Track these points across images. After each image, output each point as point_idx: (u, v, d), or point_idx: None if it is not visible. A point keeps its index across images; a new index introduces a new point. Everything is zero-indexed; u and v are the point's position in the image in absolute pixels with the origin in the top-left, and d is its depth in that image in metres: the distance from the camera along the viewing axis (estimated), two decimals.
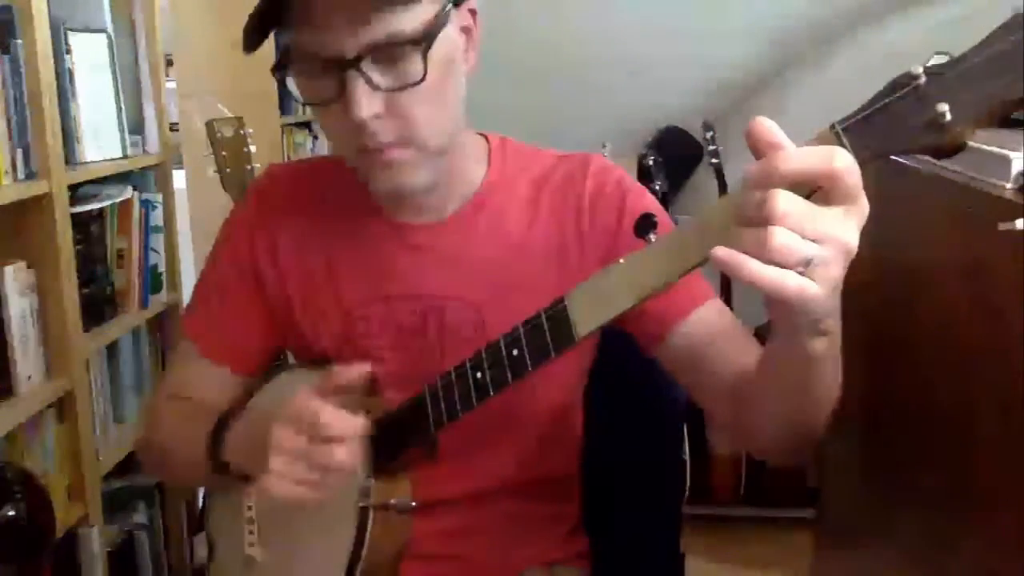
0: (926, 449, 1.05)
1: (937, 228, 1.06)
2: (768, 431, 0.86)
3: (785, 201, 0.57)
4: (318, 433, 0.80)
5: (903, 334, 1.12)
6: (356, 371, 0.85)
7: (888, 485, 1.17)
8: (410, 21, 0.80)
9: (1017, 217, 0.77)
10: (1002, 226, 0.78)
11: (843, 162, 0.58)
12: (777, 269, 0.58)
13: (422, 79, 0.81)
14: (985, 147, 0.93)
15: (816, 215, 0.58)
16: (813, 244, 0.58)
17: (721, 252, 0.59)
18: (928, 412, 1.04)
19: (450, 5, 0.85)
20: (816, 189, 0.59)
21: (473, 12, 0.89)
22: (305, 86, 0.87)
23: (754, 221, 0.58)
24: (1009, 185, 0.88)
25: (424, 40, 0.81)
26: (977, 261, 0.92)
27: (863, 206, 0.60)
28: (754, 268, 0.58)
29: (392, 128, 0.84)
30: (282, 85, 1.02)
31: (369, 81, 0.81)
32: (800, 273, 0.58)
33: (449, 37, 0.85)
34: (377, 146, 0.85)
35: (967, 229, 0.96)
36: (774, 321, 0.71)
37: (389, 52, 0.81)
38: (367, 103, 0.81)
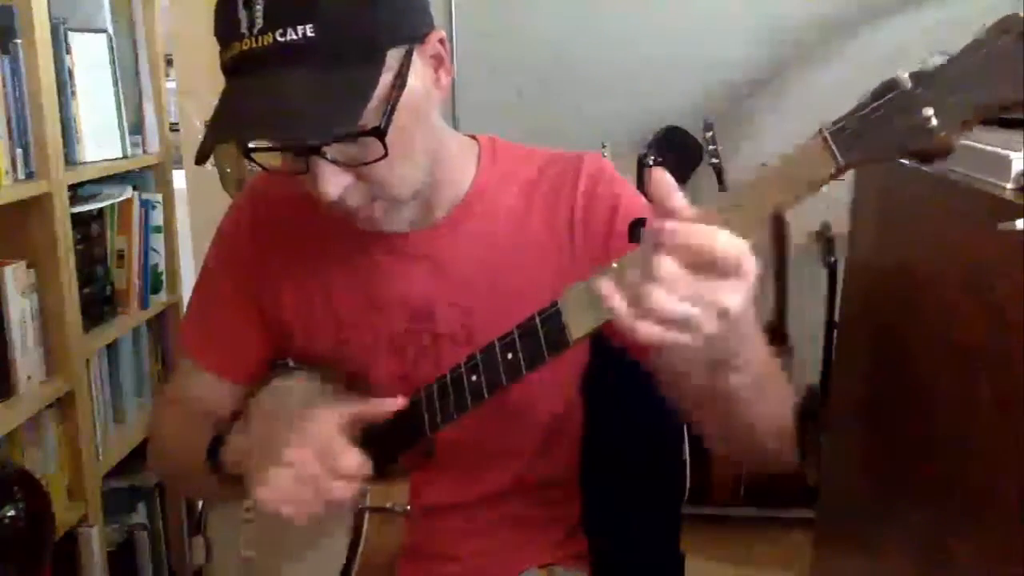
0: (926, 449, 1.05)
1: (937, 228, 1.06)
2: (731, 444, 0.89)
3: (667, 266, 0.62)
4: (333, 467, 0.82)
5: (903, 334, 1.12)
6: (390, 405, 0.86)
7: (888, 486, 1.17)
8: (368, 113, 0.78)
9: (1017, 217, 0.77)
10: (1002, 226, 0.78)
11: (723, 243, 0.62)
12: (648, 323, 0.63)
13: (385, 155, 0.81)
14: (985, 147, 0.92)
15: (690, 282, 0.62)
16: (686, 304, 0.62)
17: (615, 301, 0.64)
18: (928, 412, 1.04)
19: (413, 54, 0.82)
20: None
21: (442, 41, 0.87)
22: (270, 161, 0.88)
23: (643, 276, 0.63)
24: (1009, 185, 0.87)
25: (383, 120, 0.79)
26: (977, 261, 0.92)
27: (746, 276, 0.63)
28: (627, 316, 0.64)
29: (363, 192, 0.85)
30: None
31: (335, 161, 0.81)
32: (674, 327, 0.63)
33: (412, 90, 0.82)
34: (348, 210, 0.87)
35: (967, 229, 0.96)
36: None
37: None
38: (334, 182, 0.82)
